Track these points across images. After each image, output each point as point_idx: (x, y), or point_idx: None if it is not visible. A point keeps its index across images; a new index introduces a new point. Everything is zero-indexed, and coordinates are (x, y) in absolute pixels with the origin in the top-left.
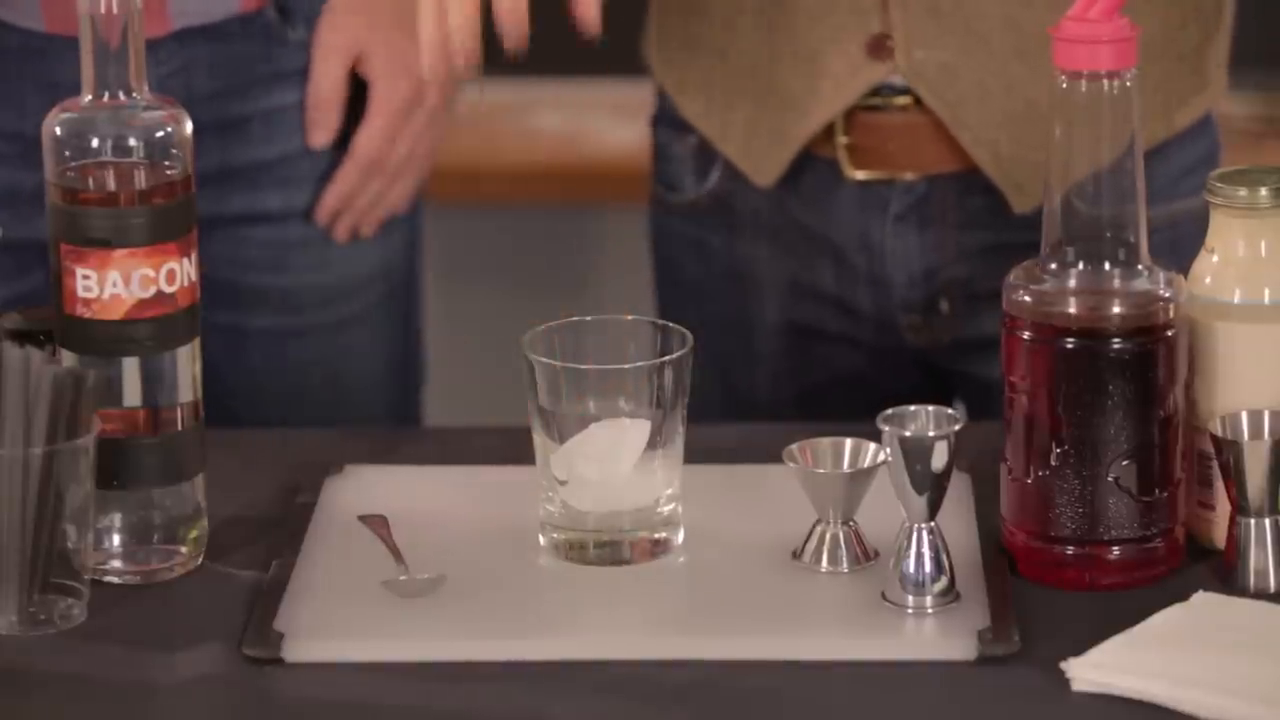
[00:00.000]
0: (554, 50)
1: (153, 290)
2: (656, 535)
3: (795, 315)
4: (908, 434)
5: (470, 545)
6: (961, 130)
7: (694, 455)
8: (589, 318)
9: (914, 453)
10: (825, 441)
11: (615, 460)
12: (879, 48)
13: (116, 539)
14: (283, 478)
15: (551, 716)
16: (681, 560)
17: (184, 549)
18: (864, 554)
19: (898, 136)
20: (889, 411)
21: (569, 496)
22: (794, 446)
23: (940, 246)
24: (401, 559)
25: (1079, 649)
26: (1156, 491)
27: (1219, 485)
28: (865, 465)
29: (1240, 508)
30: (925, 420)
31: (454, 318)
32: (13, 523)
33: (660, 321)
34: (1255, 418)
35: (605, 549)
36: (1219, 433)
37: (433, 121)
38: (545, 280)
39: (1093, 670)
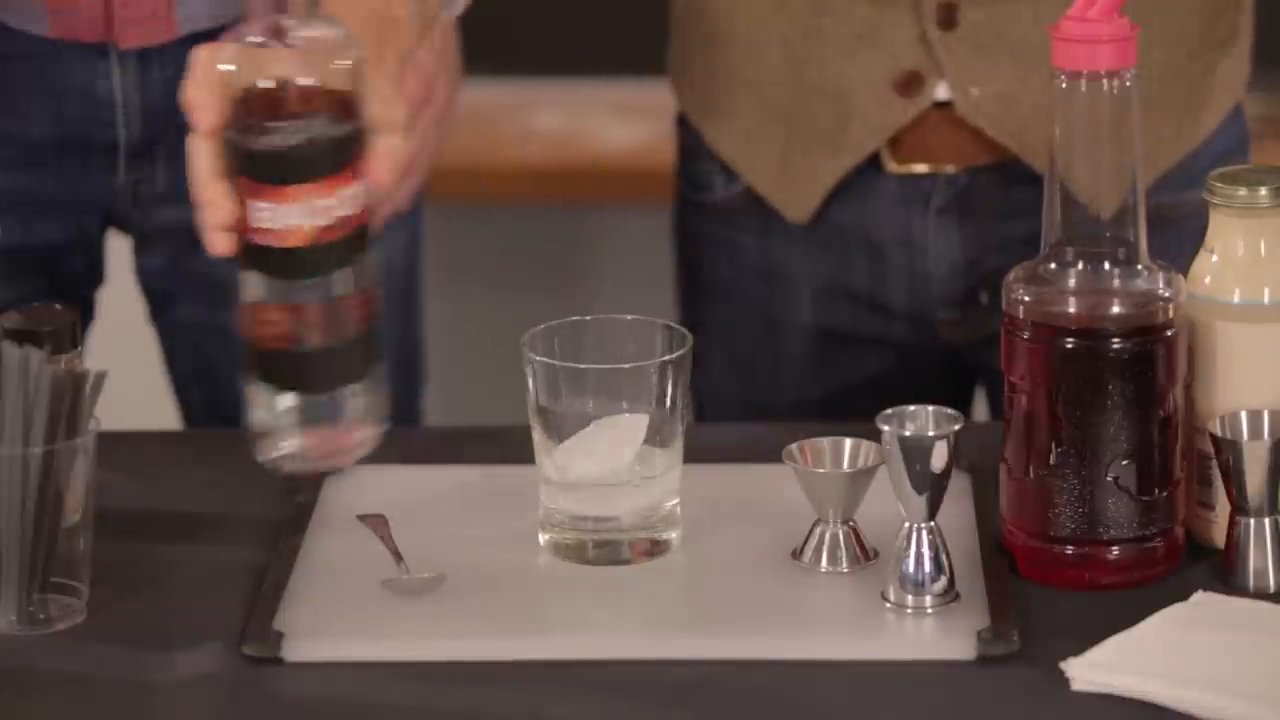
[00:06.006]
0: (554, 50)
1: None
2: (656, 535)
3: (826, 317)
4: (908, 434)
5: (470, 545)
6: (1034, 158)
7: (694, 455)
8: (589, 318)
9: (914, 453)
10: (825, 441)
11: (615, 459)
12: (910, 85)
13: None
14: (283, 478)
15: (550, 716)
16: (681, 560)
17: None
18: (864, 554)
19: (940, 130)
20: (889, 411)
21: (569, 496)
22: (794, 446)
23: (981, 238)
24: (401, 559)
25: (1079, 649)
26: (1156, 491)
27: (1218, 485)
28: (865, 465)
29: (1240, 508)
30: (925, 420)
31: (454, 317)
32: (12, 522)
33: (660, 321)
34: (1255, 418)
35: (604, 549)
36: (1218, 433)
37: (440, 120)
38: (545, 280)
39: (1092, 670)
